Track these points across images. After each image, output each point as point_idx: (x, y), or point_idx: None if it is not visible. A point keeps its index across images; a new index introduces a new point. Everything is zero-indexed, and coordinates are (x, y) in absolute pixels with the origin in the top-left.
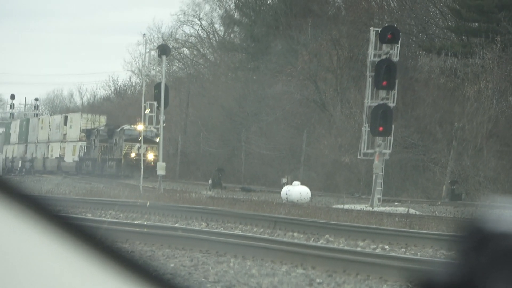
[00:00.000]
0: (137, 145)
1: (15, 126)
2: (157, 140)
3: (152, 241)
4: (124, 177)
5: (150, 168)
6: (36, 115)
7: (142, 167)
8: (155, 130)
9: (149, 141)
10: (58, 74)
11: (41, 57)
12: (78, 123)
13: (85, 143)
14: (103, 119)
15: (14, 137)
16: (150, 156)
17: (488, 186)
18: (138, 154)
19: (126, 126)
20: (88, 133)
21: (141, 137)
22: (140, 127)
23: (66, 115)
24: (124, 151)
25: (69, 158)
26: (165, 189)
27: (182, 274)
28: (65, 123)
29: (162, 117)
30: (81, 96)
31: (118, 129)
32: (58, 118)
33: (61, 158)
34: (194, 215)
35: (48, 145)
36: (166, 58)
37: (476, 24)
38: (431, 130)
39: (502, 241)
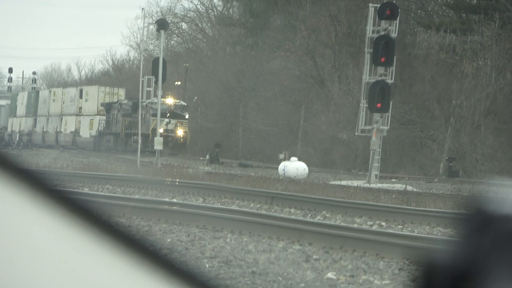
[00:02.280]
0: (166, 120)
1: (22, 98)
2: (186, 115)
3: (149, 216)
4: (150, 153)
5: (180, 145)
6: (33, 88)
7: (140, 141)
8: (185, 104)
9: (178, 116)
10: (56, 48)
11: (40, 31)
12: (95, 96)
13: (104, 117)
14: (122, 92)
15: (21, 109)
16: (180, 132)
17: (486, 163)
18: (166, 130)
19: (154, 100)
20: (108, 107)
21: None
22: (169, 100)
23: (81, 87)
24: (152, 126)
25: (86, 132)
26: (163, 164)
27: (179, 249)
28: (81, 96)
29: (159, 92)
30: (79, 70)
31: (145, 103)
32: (72, 91)
33: (76, 132)
34: (191, 190)
35: (62, 119)
36: (165, 33)
37: (475, 1)
38: (429, 107)
39: (506, 223)
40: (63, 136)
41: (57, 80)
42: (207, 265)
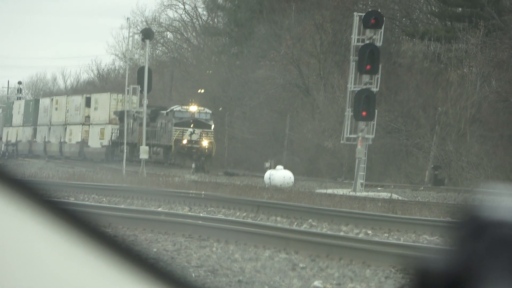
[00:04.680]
0: (189, 129)
1: (19, 107)
2: (212, 125)
3: (135, 225)
4: (173, 166)
5: (205, 156)
6: (19, 98)
7: (125, 151)
8: (210, 112)
9: (203, 125)
10: (41, 58)
11: (25, 40)
12: (106, 104)
13: (117, 126)
14: (135, 100)
15: (17, 118)
16: (205, 142)
17: (471, 171)
18: (190, 141)
19: (177, 108)
20: (122, 115)
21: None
22: (193, 108)
23: (88, 95)
24: (175, 137)
25: (95, 143)
26: (148, 173)
27: (165, 258)
28: (87, 104)
29: (145, 101)
30: (65, 80)
31: (165, 112)
32: (77, 99)
33: (83, 142)
34: (177, 199)
35: (66, 128)
36: (150, 42)
37: (460, 9)
38: (415, 115)
39: (499, 229)
40: (68, 146)
41: (42, 90)
42: (193, 274)
